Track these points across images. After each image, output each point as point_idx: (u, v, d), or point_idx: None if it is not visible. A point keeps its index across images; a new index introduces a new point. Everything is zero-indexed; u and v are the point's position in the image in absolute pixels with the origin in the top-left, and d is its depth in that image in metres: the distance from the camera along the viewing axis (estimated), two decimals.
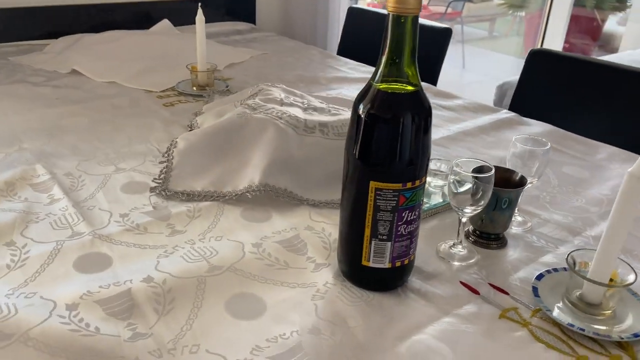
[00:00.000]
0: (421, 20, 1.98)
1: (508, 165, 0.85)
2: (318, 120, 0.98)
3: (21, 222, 0.78)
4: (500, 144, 1.16)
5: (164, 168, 0.92)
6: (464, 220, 0.74)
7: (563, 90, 1.52)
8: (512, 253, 0.77)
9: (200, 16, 1.32)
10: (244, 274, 0.70)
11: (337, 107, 1.10)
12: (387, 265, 0.66)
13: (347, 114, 1.04)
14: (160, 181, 0.90)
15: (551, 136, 1.20)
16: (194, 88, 1.38)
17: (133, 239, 0.76)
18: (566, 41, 3.57)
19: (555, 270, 0.72)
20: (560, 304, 0.67)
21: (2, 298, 0.63)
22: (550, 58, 1.56)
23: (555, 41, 3.76)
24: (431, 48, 1.85)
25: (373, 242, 0.64)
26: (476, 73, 4.54)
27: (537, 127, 1.26)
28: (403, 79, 0.60)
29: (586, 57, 1.56)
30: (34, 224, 0.78)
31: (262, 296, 0.66)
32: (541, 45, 3.90)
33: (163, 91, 1.37)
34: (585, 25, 4.86)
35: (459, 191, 0.72)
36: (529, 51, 1.58)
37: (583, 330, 0.62)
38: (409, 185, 0.62)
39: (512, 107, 1.55)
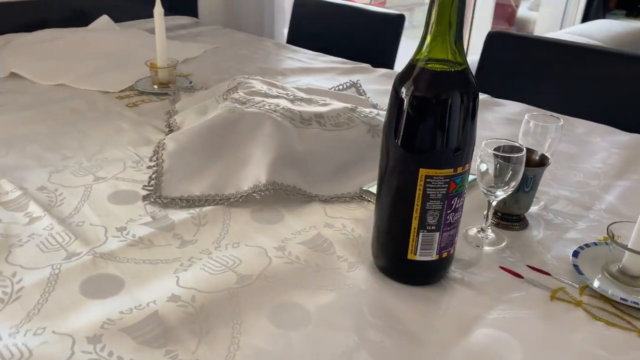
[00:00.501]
0: (374, 8, 1.97)
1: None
2: (312, 112, 0.93)
3: (2, 248, 0.68)
4: (482, 125, 1.15)
5: (153, 173, 0.84)
6: (494, 203, 0.72)
7: (522, 69, 1.55)
8: (537, 233, 0.76)
9: (159, 8, 1.22)
10: (276, 281, 0.64)
11: (321, 97, 1.05)
12: (434, 257, 0.62)
13: (337, 104, 1.00)
14: (152, 188, 0.81)
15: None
16: (155, 86, 1.27)
17: (140, 255, 0.68)
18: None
19: (587, 245, 0.71)
20: (600, 278, 0.66)
21: (7, 339, 0.54)
22: (507, 39, 1.59)
23: (483, 26, 3.89)
24: (385, 35, 1.84)
25: (421, 234, 0.61)
26: (402, 64, 4.62)
27: (513, 106, 1.27)
28: (449, 57, 0.56)
29: (541, 37, 1.61)
30: (18, 247, 0.68)
31: (304, 303, 0.61)
32: (469, 32, 4.03)
33: (122, 91, 1.26)
34: (501, 11, 5.09)
35: (489, 173, 0.69)
36: (487, 34, 1.61)
37: (637, 303, 0.61)
38: (459, 170, 0.58)
39: None
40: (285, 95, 1.02)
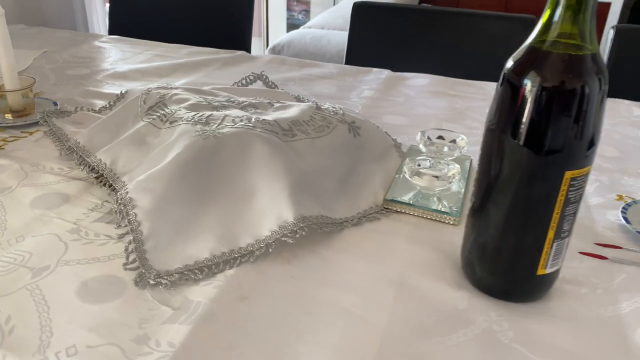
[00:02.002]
0: None
1: None
2: (285, 119, 0.76)
3: None
4: (415, 103, 1.11)
5: (129, 243, 0.59)
6: None
7: (391, 39, 1.55)
8: None
9: None
10: (397, 330, 0.50)
11: (262, 99, 0.88)
12: (559, 265, 0.55)
13: (299, 104, 0.84)
14: (136, 266, 0.57)
15: (441, 85, 1.21)
16: (8, 116, 0.93)
17: None
18: None
19: (625, 209, 0.72)
20: None
21: None
22: (371, 10, 1.57)
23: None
24: (238, 15, 1.67)
25: (555, 244, 0.53)
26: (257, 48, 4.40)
27: (420, 79, 1.25)
28: (581, 39, 0.48)
29: (405, 4, 1.62)
30: None
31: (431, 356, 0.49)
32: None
33: None
34: None
35: None
36: (352, 5, 1.56)
37: None
38: (590, 167, 0.51)
39: (348, 63, 1.52)
40: (234, 104, 0.82)
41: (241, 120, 0.72)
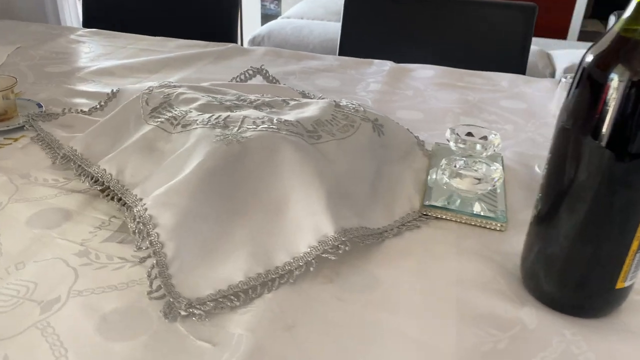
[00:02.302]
0: None
1: (554, 114, 0.77)
2: (309, 119, 0.70)
3: None
4: (418, 96, 1.05)
5: (153, 269, 0.51)
6: None
7: (387, 28, 1.49)
8: None
9: None
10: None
11: (274, 96, 0.81)
12: (638, 277, 0.50)
13: (317, 102, 0.77)
14: (162, 294, 0.50)
15: (448, 77, 1.16)
16: None
17: None
18: None
19: None
20: None
21: None
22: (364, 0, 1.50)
23: None
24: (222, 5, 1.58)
25: (638, 256, 0.48)
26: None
27: (425, 70, 1.19)
28: None
29: None
30: None
31: None
32: None
33: None
34: None
35: None
36: None
37: None
38: None
39: (342, 54, 1.45)
40: (243, 102, 0.75)
41: (263, 122, 0.65)
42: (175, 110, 0.70)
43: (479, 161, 0.70)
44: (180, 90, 0.76)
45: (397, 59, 1.25)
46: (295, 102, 0.77)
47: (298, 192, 0.58)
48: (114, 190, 0.63)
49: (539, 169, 0.80)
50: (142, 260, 0.53)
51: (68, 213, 0.63)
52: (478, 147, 0.75)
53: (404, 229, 0.63)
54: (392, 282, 0.55)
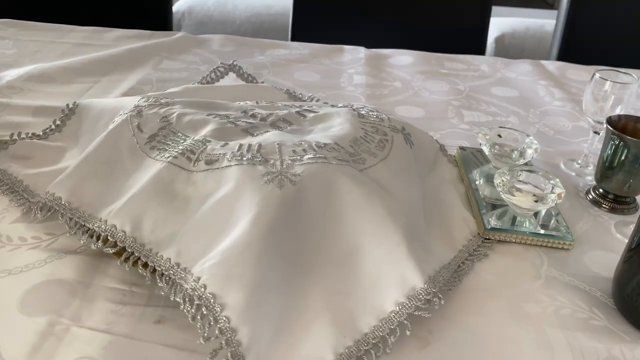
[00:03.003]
0: None
1: (586, 110, 0.73)
2: (344, 138, 0.60)
3: None
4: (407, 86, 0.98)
5: (221, 348, 0.40)
6: None
7: (340, 6, 1.39)
8: None
9: None
10: None
11: (279, 105, 0.70)
12: None
13: (333, 110, 0.67)
14: None
15: (427, 62, 1.09)
16: None
17: None
18: None
19: None
20: None
21: None
22: None
23: None
24: None
25: None
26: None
27: (402, 56, 1.11)
28: None
29: None
30: None
31: None
32: None
33: None
34: None
35: None
36: None
37: None
38: None
39: (295, 39, 1.34)
40: (255, 119, 0.63)
41: (304, 151, 0.54)
42: (185, 139, 0.57)
43: (531, 171, 0.64)
44: (177, 109, 0.62)
45: (356, 37, 1.16)
46: (312, 113, 0.67)
47: (371, 238, 0.49)
48: (133, 253, 0.49)
49: (565, 167, 0.76)
50: (213, 355, 0.42)
51: (72, 287, 0.49)
52: (515, 153, 0.69)
53: (475, 260, 0.56)
54: (494, 334, 0.48)
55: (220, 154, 0.53)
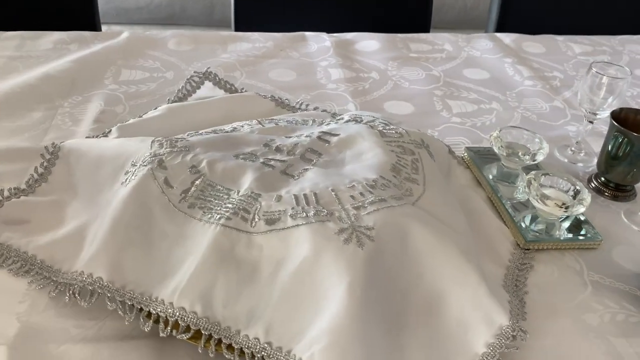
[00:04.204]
0: None
1: (582, 101, 0.76)
2: (383, 166, 0.58)
3: None
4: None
5: None
6: None
7: None
8: None
9: None
10: None
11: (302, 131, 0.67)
12: None
13: (351, 130, 0.65)
14: None
15: (393, 47, 1.08)
16: None
17: None
18: None
19: None
20: None
21: None
22: None
23: None
24: None
25: None
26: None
27: (366, 41, 1.09)
28: None
29: None
30: None
31: None
32: None
33: None
34: None
35: None
36: None
37: None
38: None
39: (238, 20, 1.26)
40: (285, 154, 0.60)
41: (362, 195, 0.52)
42: (229, 194, 0.52)
43: (556, 176, 0.66)
44: (202, 154, 0.57)
45: (304, 18, 1.13)
46: (329, 134, 0.64)
47: (451, 282, 0.49)
48: (211, 335, 0.46)
49: (559, 154, 0.80)
50: None
51: None
52: (526, 157, 0.71)
53: (526, 275, 0.59)
54: (567, 354, 0.51)
55: (279, 211, 0.50)
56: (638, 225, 0.67)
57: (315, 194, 0.52)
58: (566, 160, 0.80)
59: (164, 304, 0.47)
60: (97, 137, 0.72)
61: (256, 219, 0.50)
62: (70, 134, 0.74)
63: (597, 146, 0.82)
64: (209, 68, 0.88)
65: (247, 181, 0.54)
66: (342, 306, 0.43)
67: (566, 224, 0.65)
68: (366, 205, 0.51)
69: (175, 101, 0.83)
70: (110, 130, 0.72)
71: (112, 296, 0.49)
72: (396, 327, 0.47)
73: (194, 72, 0.87)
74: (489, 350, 0.47)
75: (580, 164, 0.79)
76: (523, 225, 0.64)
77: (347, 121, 0.70)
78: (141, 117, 0.76)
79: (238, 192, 0.53)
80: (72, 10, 1.20)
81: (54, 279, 0.52)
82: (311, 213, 0.49)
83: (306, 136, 0.64)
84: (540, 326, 0.53)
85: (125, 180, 0.56)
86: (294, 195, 0.52)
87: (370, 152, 0.62)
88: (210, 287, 0.47)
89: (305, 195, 0.52)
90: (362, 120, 0.70)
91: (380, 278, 0.47)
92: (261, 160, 0.58)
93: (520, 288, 0.56)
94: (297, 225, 0.49)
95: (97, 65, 0.92)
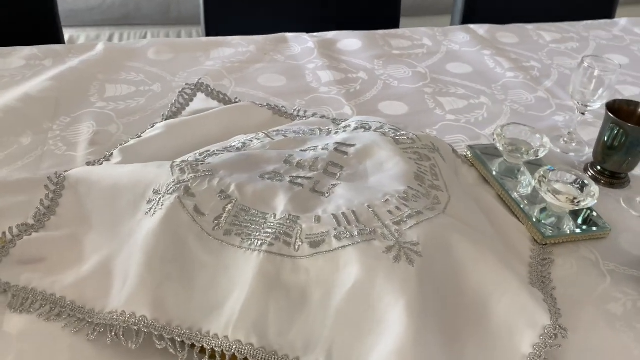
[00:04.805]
0: None
1: (574, 93, 0.78)
2: (407, 176, 0.59)
3: None
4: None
5: None
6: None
7: None
8: None
9: None
10: None
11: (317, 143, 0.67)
12: None
13: (366, 143, 0.65)
14: None
15: (375, 44, 1.08)
16: None
17: None
18: None
19: None
20: None
21: None
22: None
23: None
24: None
25: None
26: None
27: (348, 40, 1.09)
28: None
29: None
30: None
31: None
32: None
33: None
34: None
35: None
36: None
37: None
38: None
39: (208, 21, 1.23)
40: (307, 170, 0.59)
41: (397, 209, 0.53)
42: (266, 218, 0.52)
43: (564, 172, 0.68)
44: (226, 177, 0.56)
45: (276, 25, 1.12)
46: (344, 145, 0.64)
47: (494, 290, 0.51)
48: None
49: (552, 144, 0.83)
50: None
51: None
52: (527, 154, 0.73)
53: (548, 269, 0.61)
54: (600, 346, 0.53)
55: (322, 232, 0.50)
56: (638, 212, 0.71)
57: (353, 212, 0.52)
58: (559, 151, 0.83)
59: (219, 338, 0.46)
60: (99, 162, 0.69)
61: (299, 243, 0.50)
62: (68, 159, 0.71)
63: (586, 135, 0.86)
64: (200, 79, 0.86)
65: (281, 203, 0.54)
66: (403, 327, 0.44)
67: (574, 215, 0.68)
68: (405, 219, 0.52)
69: (170, 116, 0.80)
70: (112, 154, 0.70)
71: (159, 334, 0.47)
72: (451, 339, 0.48)
73: (186, 84, 0.85)
74: (535, 351, 0.49)
75: (573, 154, 0.83)
76: (540, 223, 0.66)
77: (356, 129, 0.71)
78: (140, 136, 0.74)
79: (274, 215, 0.52)
80: (31, 15, 1.14)
81: (89, 320, 0.50)
82: (355, 232, 0.50)
83: (322, 149, 0.64)
84: (569, 321, 0.55)
85: (150, 210, 0.55)
86: (333, 214, 0.52)
87: (390, 161, 0.62)
88: (263, 316, 0.47)
89: (344, 214, 0.52)
90: (370, 128, 0.70)
91: (432, 292, 0.48)
92: (288, 179, 0.58)
93: (547, 284, 0.59)
94: (344, 246, 0.49)
95: (79, 82, 0.87)
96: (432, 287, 0.48)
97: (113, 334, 0.48)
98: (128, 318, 0.48)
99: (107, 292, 0.52)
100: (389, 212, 0.53)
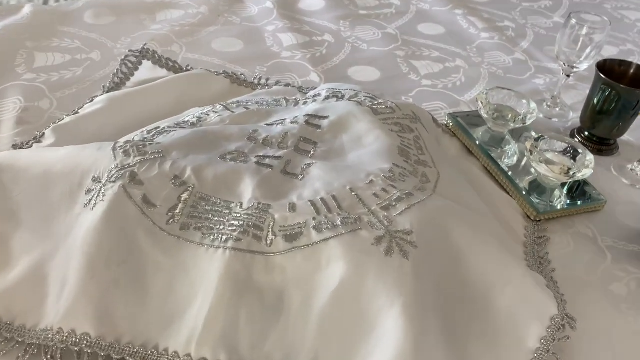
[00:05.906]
0: None
1: (559, 54, 0.72)
2: (392, 152, 0.52)
3: None
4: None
5: None
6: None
7: None
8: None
9: None
10: None
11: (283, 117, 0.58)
12: None
13: (340, 113, 0.58)
14: None
15: (338, 6, 0.99)
16: None
17: None
18: None
19: None
20: None
21: None
22: None
23: None
24: None
25: None
26: None
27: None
28: None
29: None
30: None
31: None
32: None
33: None
34: None
35: None
36: None
37: None
38: None
39: None
40: (275, 148, 0.51)
41: (384, 191, 0.46)
42: (230, 208, 0.43)
43: (543, 137, 0.63)
44: (180, 159, 0.47)
45: None
46: (316, 117, 0.56)
47: (497, 278, 0.45)
48: None
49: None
50: None
51: None
52: (514, 121, 0.67)
53: (545, 248, 0.55)
54: (606, 329, 0.49)
55: (299, 224, 0.42)
56: (630, 180, 0.66)
57: (334, 197, 0.45)
58: (542, 116, 0.77)
59: (179, 357, 0.38)
60: (28, 144, 0.59)
61: (271, 236, 0.42)
62: None
63: (568, 99, 0.81)
64: (145, 45, 0.75)
65: (247, 189, 0.45)
66: (401, 333, 0.37)
67: (566, 188, 0.63)
68: (394, 203, 0.45)
69: (113, 88, 0.70)
70: (44, 134, 0.59)
71: (106, 354, 0.39)
72: (453, 338, 0.42)
73: (129, 50, 0.74)
74: (542, 345, 0.44)
75: (557, 120, 0.77)
76: (533, 198, 0.60)
77: (327, 98, 0.62)
78: (77, 112, 0.63)
79: (241, 204, 0.44)
80: None
81: (19, 339, 0.41)
82: (338, 222, 0.42)
83: (291, 122, 0.56)
84: (572, 306, 0.50)
85: (90, 202, 0.45)
86: (310, 201, 0.44)
87: (369, 134, 0.54)
88: (232, 327, 0.39)
89: (323, 199, 0.44)
90: (343, 96, 0.62)
91: (430, 289, 0.41)
92: (254, 159, 0.49)
93: (545, 266, 0.53)
94: (326, 239, 0.41)
95: (3, 51, 0.75)
96: (431, 283, 0.42)
97: (49, 356, 0.40)
98: (67, 337, 0.39)
99: (40, 304, 0.43)
100: (375, 195, 0.45)
